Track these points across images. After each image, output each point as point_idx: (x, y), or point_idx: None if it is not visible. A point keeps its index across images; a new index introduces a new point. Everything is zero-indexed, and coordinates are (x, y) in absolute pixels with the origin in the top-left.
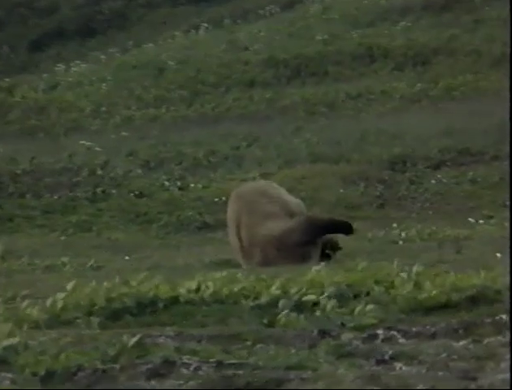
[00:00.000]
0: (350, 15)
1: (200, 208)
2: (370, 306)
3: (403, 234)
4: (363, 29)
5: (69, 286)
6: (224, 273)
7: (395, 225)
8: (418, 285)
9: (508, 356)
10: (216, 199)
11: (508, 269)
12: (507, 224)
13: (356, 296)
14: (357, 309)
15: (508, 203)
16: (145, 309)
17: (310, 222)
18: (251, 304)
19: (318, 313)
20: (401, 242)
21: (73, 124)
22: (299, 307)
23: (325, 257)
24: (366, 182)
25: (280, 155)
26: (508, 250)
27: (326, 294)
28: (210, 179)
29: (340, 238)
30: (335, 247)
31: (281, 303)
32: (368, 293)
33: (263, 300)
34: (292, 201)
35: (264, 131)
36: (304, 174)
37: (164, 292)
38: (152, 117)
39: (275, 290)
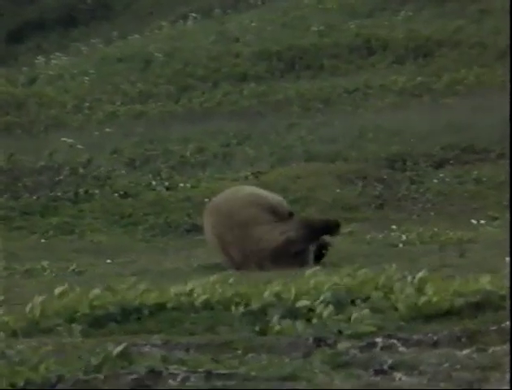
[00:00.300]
0: (347, 4)
1: (188, 209)
2: (368, 313)
3: (403, 236)
4: (361, 20)
5: (57, 291)
6: (214, 278)
7: (394, 227)
8: (419, 291)
9: None
10: (206, 199)
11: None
12: None
13: (354, 302)
14: (355, 315)
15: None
16: (130, 316)
17: (306, 226)
18: (242, 310)
19: (313, 320)
20: (401, 245)
21: (54, 120)
22: (293, 314)
23: (319, 257)
24: (364, 181)
25: (273, 153)
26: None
27: (322, 300)
28: (199, 179)
29: (336, 240)
30: (327, 245)
31: (274, 309)
32: (366, 299)
33: (255, 306)
34: (267, 194)
35: (256, 128)
36: (298, 173)
37: (150, 298)
38: (137, 113)
39: (267, 296)
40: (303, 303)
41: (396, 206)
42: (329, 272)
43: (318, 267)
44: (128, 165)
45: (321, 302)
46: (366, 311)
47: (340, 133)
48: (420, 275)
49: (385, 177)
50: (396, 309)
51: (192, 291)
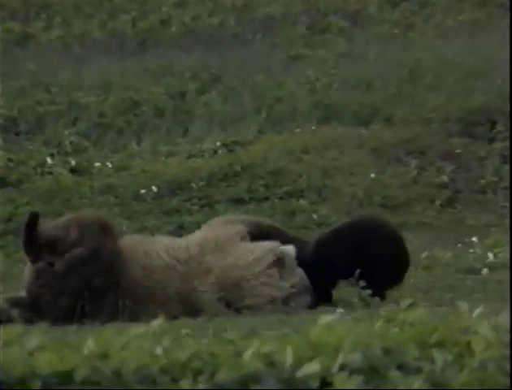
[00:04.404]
0: None
1: (111, 206)
2: (428, 388)
3: (490, 256)
4: None
5: None
6: (155, 326)
7: (474, 239)
8: None
9: None
10: (142, 190)
11: None
12: None
13: (401, 369)
14: None
15: None
16: None
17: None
18: (205, 384)
19: None
20: (485, 270)
21: None
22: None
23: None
24: (420, 159)
25: (261, 108)
26: None
27: (344, 364)
28: (130, 154)
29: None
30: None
31: (260, 382)
32: (423, 364)
33: (227, 376)
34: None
35: (231, 63)
36: (305, 144)
37: (47, 363)
38: (20, 36)
39: (250, 359)
40: (310, 370)
41: (477, 202)
42: (358, 318)
43: (340, 309)
44: (6, 130)
45: (342, 369)
46: (423, 385)
47: (378, 73)
48: (506, 320)
49: (459, 151)
50: (473, 382)
51: (118, 350)
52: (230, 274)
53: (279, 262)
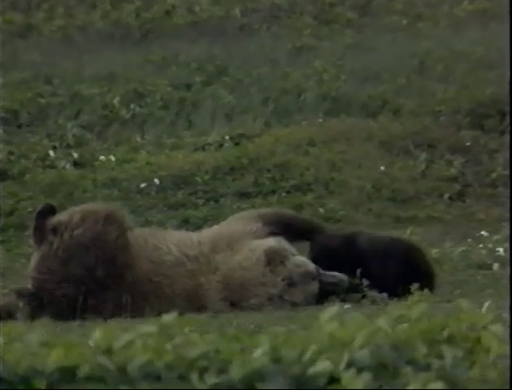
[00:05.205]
0: None
1: (115, 199)
2: (436, 385)
3: (501, 250)
4: None
5: None
6: (161, 324)
7: (485, 233)
8: None
9: None
10: (143, 184)
11: None
12: None
13: (410, 366)
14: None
15: None
16: None
17: None
18: (213, 381)
19: None
20: (496, 266)
21: None
22: (302, 387)
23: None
24: (429, 151)
25: (268, 101)
26: None
27: (351, 361)
28: (134, 147)
29: None
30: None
31: (268, 380)
32: (433, 361)
33: (236, 374)
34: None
35: (237, 54)
36: (312, 136)
37: (51, 359)
38: (21, 26)
39: (257, 356)
40: (320, 368)
41: (487, 196)
42: (366, 313)
43: (347, 305)
44: (8, 122)
45: (351, 367)
46: (433, 383)
47: (387, 64)
48: None
49: (468, 144)
50: (484, 379)
51: (124, 346)
52: (236, 274)
53: (270, 259)
